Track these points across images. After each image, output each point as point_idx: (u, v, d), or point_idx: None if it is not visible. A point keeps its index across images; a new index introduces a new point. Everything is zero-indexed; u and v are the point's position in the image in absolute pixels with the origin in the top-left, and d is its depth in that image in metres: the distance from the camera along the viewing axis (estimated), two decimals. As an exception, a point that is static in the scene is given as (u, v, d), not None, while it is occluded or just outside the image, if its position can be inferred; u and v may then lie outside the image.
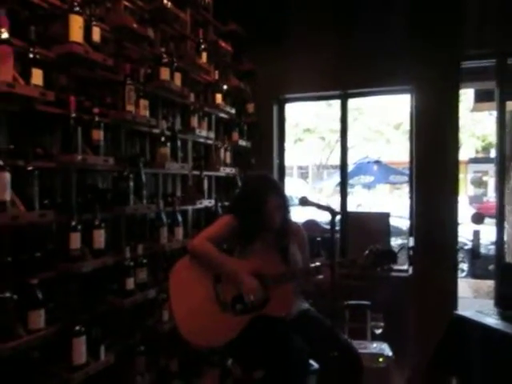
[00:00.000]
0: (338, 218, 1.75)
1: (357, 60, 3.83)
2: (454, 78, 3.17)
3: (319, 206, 1.76)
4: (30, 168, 1.90)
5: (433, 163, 3.15)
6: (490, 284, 7.39)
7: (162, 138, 2.89)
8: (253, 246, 2.05)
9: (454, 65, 3.22)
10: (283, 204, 2.10)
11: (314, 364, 1.91)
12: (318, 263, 2.01)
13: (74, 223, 2.13)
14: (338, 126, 4.26)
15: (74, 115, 2.15)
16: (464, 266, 7.22)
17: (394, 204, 8.50)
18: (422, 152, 3.23)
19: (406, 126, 4.28)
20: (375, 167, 9.07)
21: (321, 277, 1.94)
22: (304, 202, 1.80)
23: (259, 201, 2.04)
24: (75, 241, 2.12)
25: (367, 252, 1.97)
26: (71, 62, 2.25)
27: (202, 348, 1.98)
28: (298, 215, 3.64)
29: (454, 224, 3.01)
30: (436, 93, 3.29)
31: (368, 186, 10.00)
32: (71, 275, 2.21)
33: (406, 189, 8.54)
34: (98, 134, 2.28)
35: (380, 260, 1.95)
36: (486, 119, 13.01)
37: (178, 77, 2.98)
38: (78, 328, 2.12)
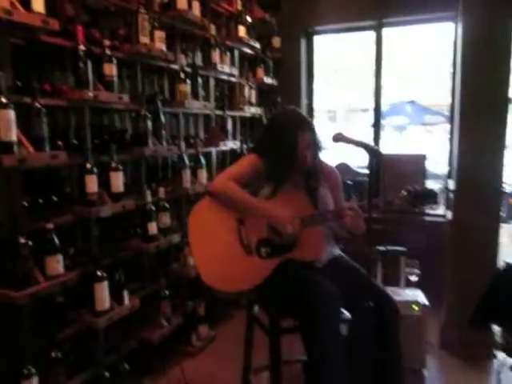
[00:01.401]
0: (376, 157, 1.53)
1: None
2: (507, 3, 2.76)
3: (356, 143, 1.54)
4: (37, 105, 1.75)
5: (478, 101, 2.83)
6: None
7: (182, 75, 2.68)
8: (279, 187, 1.87)
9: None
10: (315, 141, 1.89)
11: (346, 313, 1.78)
12: (348, 204, 1.83)
13: (89, 165, 2.01)
14: (367, 65, 3.93)
15: (82, 48, 1.96)
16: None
17: (429, 147, 8.09)
18: (467, 88, 2.90)
19: (445, 62, 3.90)
20: (408, 108, 8.59)
21: (348, 219, 1.76)
22: (339, 138, 1.58)
23: (289, 137, 1.83)
24: (92, 184, 2.01)
25: (405, 192, 1.78)
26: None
27: (225, 294, 1.87)
28: (328, 158, 3.43)
29: (499, 167, 2.74)
30: (485, 20, 2.89)
31: (400, 128, 9.54)
32: (90, 220, 2.13)
33: (441, 131, 8.08)
34: (110, 69, 2.10)
35: (419, 200, 1.76)
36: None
37: (196, 6, 2.72)
38: (99, 273, 2.06)
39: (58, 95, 1.96)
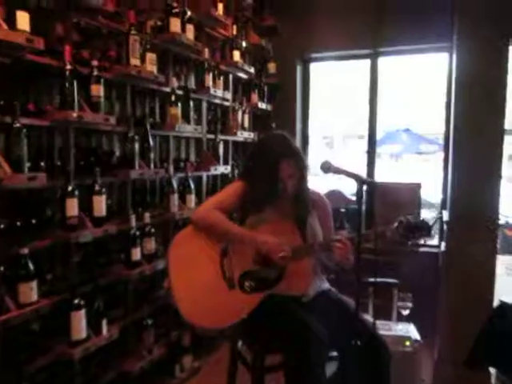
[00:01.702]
0: (366, 187, 1.46)
1: (389, 13, 3.45)
2: (502, 34, 2.76)
3: (345, 173, 1.48)
4: (17, 125, 1.69)
5: (473, 131, 2.80)
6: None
7: (173, 97, 2.63)
8: (265, 215, 1.80)
9: (503, 19, 2.81)
10: (300, 169, 1.81)
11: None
12: (337, 237, 1.74)
13: (70, 188, 1.94)
14: (361, 92, 3.92)
15: (69, 67, 1.91)
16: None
17: (424, 175, 8.07)
18: (462, 118, 2.88)
19: (439, 91, 3.90)
20: (404, 136, 8.60)
21: (337, 252, 1.67)
22: (327, 167, 1.52)
23: (271, 165, 1.76)
24: (72, 207, 1.93)
25: (397, 223, 1.70)
26: (66, 6, 2.00)
27: (206, 331, 1.77)
28: (321, 185, 3.37)
29: (495, 197, 2.69)
30: (480, 51, 2.88)
31: (395, 156, 9.56)
32: (70, 244, 2.04)
33: (436, 159, 8.07)
34: (98, 89, 2.05)
35: (412, 232, 1.68)
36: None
37: (190, 29, 2.69)
38: (76, 301, 1.96)
39: (41, 115, 1.90)
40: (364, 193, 1.49)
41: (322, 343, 1.55)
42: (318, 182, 2.00)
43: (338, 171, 1.51)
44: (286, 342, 1.58)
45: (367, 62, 3.84)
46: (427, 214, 5.59)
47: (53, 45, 1.98)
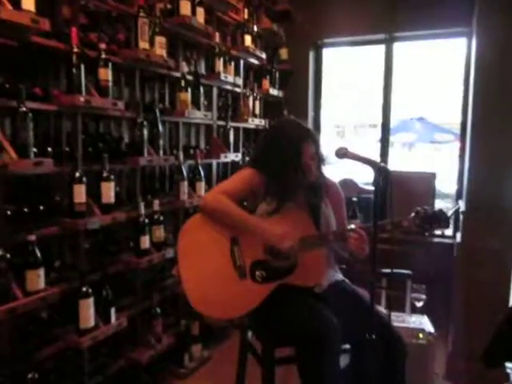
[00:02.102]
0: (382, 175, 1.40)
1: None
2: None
3: (361, 159, 1.42)
4: (23, 109, 1.64)
5: (492, 120, 2.70)
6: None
7: (183, 83, 2.57)
8: (283, 205, 1.73)
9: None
10: (318, 153, 1.75)
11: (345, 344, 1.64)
12: (353, 226, 1.68)
13: (78, 174, 1.90)
14: (374, 80, 3.82)
15: (76, 50, 1.86)
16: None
17: (437, 165, 7.93)
18: (481, 107, 2.77)
19: (456, 80, 3.78)
20: (417, 125, 8.45)
21: (352, 242, 1.62)
22: (342, 153, 1.46)
23: (292, 149, 1.69)
24: (80, 194, 1.89)
25: (414, 214, 1.64)
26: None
27: (215, 320, 1.73)
28: (332, 174, 3.31)
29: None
30: (498, 35, 2.76)
31: (409, 145, 9.41)
32: (78, 232, 2.01)
33: (450, 149, 7.92)
34: (106, 74, 2.00)
35: (429, 223, 1.62)
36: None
37: (200, 13, 2.62)
38: (84, 289, 1.93)
39: (49, 100, 1.86)
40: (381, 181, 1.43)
41: (336, 333, 1.50)
42: (329, 171, 1.92)
43: (354, 157, 1.45)
44: (299, 332, 1.53)
45: (381, 49, 3.74)
46: (441, 204, 5.48)
47: (59, 28, 1.94)
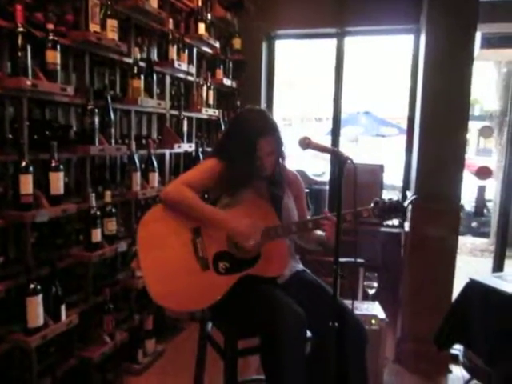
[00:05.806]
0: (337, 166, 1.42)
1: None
2: (469, 16, 2.77)
3: (325, 149, 1.43)
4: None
5: (439, 115, 2.82)
6: (471, 241, 7.36)
7: (135, 69, 2.48)
8: (240, 195, 1.72)
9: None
10: (278, 148, 1.75)
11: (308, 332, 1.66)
12: (319, 216, 1.70)
13: (24, 163, 1.77)
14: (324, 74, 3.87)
15: (21, 29, 1.73)
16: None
17: (381, 158, 8.23)
18: (427, 100, 2.89)
19: (402, 75, 3.93)
20: (363, 118, 8.70)
21: (328, 229, 1.64)
22: (306, 143, 1.46)
23: (249, 142, 1.67)
24: (26, 184, 1.77)
25: (373, 204, 1.69)
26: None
27: (177, 313, 1.69)
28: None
29: (458, 179, 2.75)
30: (447, 34, 2.87)
31: (354, 138, 9.67)
32: (25, 225, 1.88)
33: (395, 142, 8.23)
34: (54, 56, 1.87)
35: (387, 213, 1.68)
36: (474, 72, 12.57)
37: (154, -3, 2.53)
38: (32, 286, 1.82)
39: (-10, 83, 1.72)
40: (337, 172, 1.45)
41: (302, 323, 1.51)
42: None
43: (317, 147, 1.45)
44: (264, 323, 1.52)
45: (331, 43, 3.79)
46: (389, 196, 5.68)
47: (2, 4, 1.79)
